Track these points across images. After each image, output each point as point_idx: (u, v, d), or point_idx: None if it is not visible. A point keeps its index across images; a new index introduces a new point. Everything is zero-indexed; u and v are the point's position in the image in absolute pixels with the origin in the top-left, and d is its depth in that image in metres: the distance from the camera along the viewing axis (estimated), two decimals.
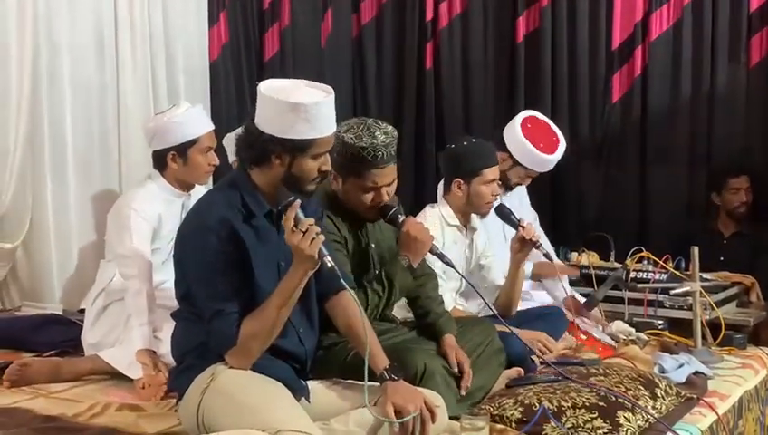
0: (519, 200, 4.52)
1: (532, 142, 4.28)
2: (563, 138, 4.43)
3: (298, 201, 2.61)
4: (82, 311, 4.18)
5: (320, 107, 2.69)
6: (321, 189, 3.19)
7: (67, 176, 4.55)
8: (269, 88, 2.73)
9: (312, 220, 2.59)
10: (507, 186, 4.37)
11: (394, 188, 3.19)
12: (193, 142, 3.78)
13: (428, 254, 3.27)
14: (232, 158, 4.29)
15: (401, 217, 3.22)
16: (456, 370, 3.15)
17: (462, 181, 3.80)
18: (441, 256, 3.30)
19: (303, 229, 2.54)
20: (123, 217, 3.68)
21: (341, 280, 2.63)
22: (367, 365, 2.62)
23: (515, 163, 4.32)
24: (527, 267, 4.21)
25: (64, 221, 4.53)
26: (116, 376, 3.54)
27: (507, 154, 4.31)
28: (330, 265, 2.58)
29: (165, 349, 3.39)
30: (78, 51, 4.61)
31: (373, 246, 3.26)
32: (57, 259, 4.50)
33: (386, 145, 3.08)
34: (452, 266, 3.34)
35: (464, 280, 3.86)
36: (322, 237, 2.57)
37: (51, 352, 3.79)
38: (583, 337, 4.09)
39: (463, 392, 3.11)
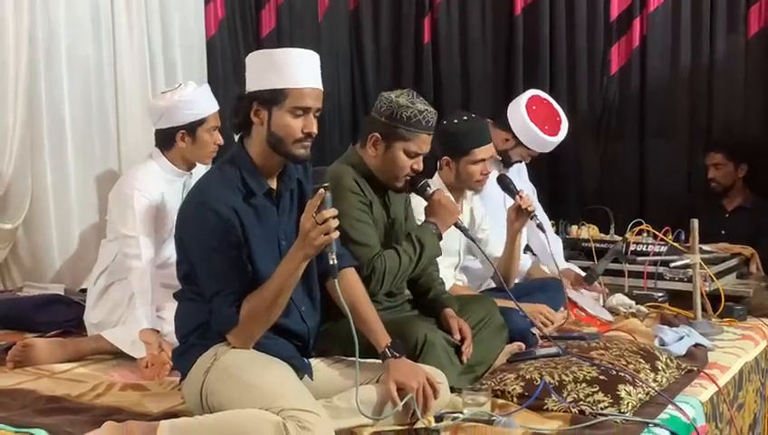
0: (518, 174, 4.52)
1: (537, 125, 4.29)
2: (566, 118, 4.43)
3: (327, 193, 2.54)
4: (84, 290, 4.21)
5: (290, 56, 2.72)
6: (345, 159, 3.24)
7: (66, 155, 4.54)
8: None
9: (334, 212, 2.53)
10: (507, 163, 4.38)
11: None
12: (202, 121, 3.79)
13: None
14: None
15: (430, 189, 3.29)
16: (458, 337, 3.18)
17: (450, 159, 3.80)
18: (464, 230, 3.37)
19: (320, 221, 2.51)
20: (126, 197, 3.68)
21: (334, 266, 2.60)
22: (357, 345, 2.64)
23: (518, 143, 4.32)
24: (526, 263, 4.23)
25: (64, 200, 4.52)
26: (119, 356, 3.55)
27: (511, 134, 4.32)
28: (332, 262, 2.57)
29: (168, 328, 3.41)
30: (74, 28, 4.59)
31: (393, 218, 3.30)
32: (57, 239, 4.50)
33: (434, 114, 3.19)
34: (473, 241, 3.44)
35: (461, 255, 3.92)
36: (336, 234, 2.54)
37: (53, 332, 3.80)
38: (582, 314, 4.11)
39: (464, 359, 3.14)
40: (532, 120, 4.29)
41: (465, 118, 3.84)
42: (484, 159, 3.78)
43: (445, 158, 3.81)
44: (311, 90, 2.71)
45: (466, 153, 3.76)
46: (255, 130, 2.74)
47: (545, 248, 4.11)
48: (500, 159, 4.33)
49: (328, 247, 2.56)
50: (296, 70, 2.69)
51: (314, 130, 2.72)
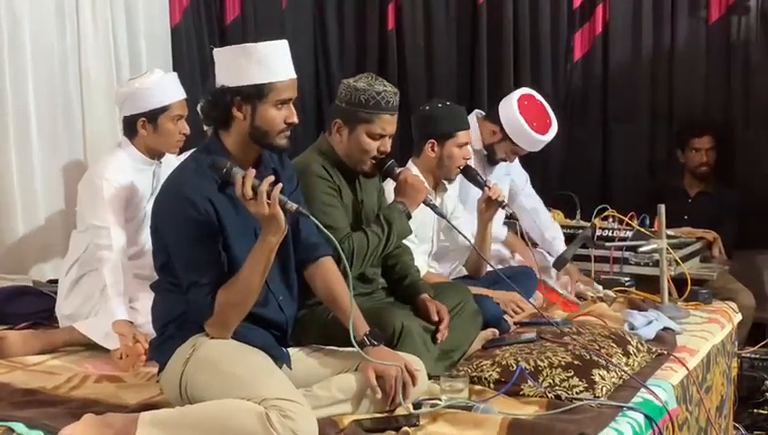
0: (506, 166, 4.52)
1: (525, 120, 4.29)
2: (556, 122, 4.44)
3: (237, 172, 2.57)
4: (52, 281, 4.18)
5: (270, 49, 2.72)
6: (315, 147, 3.26)
7: (31, 144, 4.46)
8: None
9: (249, 177, 2.53)
10: (492, 160, 4.38)
11: (391, 142, 3.27)
12: (164, 109, 3.73)
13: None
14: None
15: (397, 169, 3.32)
16: (435, 319, 3.22)
17: (435, 142, 3.82)
18: (433, 207, 3.39)
19: (250, 196, 2.52)
20: (96, 188, 3.63)
21: (298, 209, 2.60)
22: (351, 325, 2.72)
23: (505, 137, 4.32)
24: (502, 232, 4.26)
25: (30, 191, 4.45)
26: (92, 347, 3.52)
27: (498, 127, 4.32)
28: (294, 207, 2.56)
29: (141, 319, 3.42)
30: (38, 17, 4.52)
31: (362, 205, 3.32)
32: (24, 230, 4.43)
33: (395, 94, 3.23)
34: (444, 217, 3.44)
35: (435, 241, 3.94)
36: (280, 186, 2.54)
37: (24, 324, 3.77)
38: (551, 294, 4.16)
39: (440, 339, 3.18)
40: (522, 113, 4.29)
41: (449, 103, 3.91)
42: (466, 143, 3.83)
43: (431, 141, 3.82)
44: (290, 81, 2.75)
45: (452, 135, 3.80)
46: (236, 124, 2.74)
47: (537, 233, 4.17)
48: (485, 153, 4.35)
49: (281, 203, 2.54)
50: (276, 63, 2.72)
51: (296, 119, 2.75)
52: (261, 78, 2.69)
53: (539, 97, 4.50)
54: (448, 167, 3.83)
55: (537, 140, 4.36)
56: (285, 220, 2.58)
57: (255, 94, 2.69)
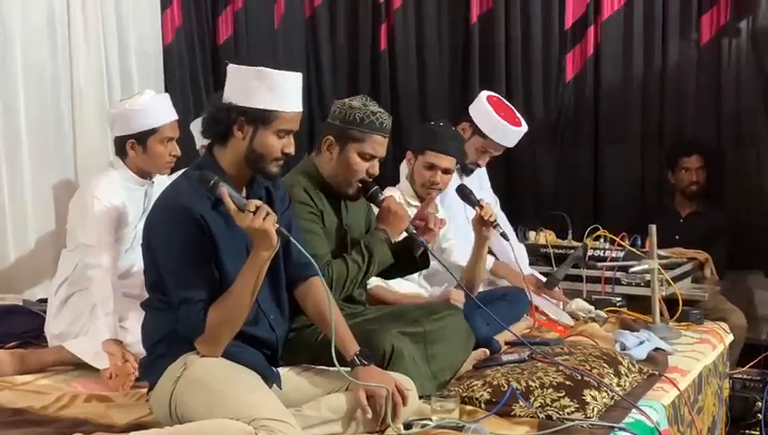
0: (479, 184, 4.50)
1: (494, 110, 4.29)
2: (525, 123, 4.43)
3: (222, 185, 2.59)
4: (42, 300, 4.16)
5: (284, 78, 2.73)
6: (299, 168, 3.25)
7: (22, 162, 4.47)
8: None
9: (258, 203, 2.56)
10: (465, 168, 4.36)
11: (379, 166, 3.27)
12: (153, 131, 3.72)
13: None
14: (199, 144, 4.27)
15: (381, 195, 3.30)
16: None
17: (412, 155, 3.91)
18: (415, 236, 3.33)
19: (252, 209, 2.53)
20: (87, 207, 3.62)
21: (313, 265, 2.65)
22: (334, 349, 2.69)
23: (475, 131, 4.31)
24: (489, 261, 4.24)
25: (20, 210, 4.46)
26: (81, 366, 3.51)
27: (468, 123, 4.33)
28: (276, 227, 2.56)
29: (131, 338, 3.40)
30: (30, 35, 4.53)
31: (347, 228, 3.30)
32: (14, 249, 4.43)
33: (389, 117, 3.23)
34: (425, 247, 3.37)
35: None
36: (275, 216, 2.56)
37: (12, 344, 3.74)
38: (542, 318, 4.14)
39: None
40: (490, 105, 4.30)
41: (451, 126, 3.95)
42: (434, 166, 3.84)
43: (408, 151, 3.87)
44: (297, 114, 2.77)
45: (422, 152, 3.86)
46: (234, 143, 2.74)
47: (508, 255, 4.15)
48: (458, 166, 4.34)
49: (277, 229, 2.55)
50: (288, 94, 2.73)
51: (293, 151, 2.77)
52: (269, 104, 2.70)
53: (507, 102, 4.51)
54: (417, 184, 3.90)
55: (506, 129, 4.32)
56: (277, 237, 2.58)
57: (260, 118, 2.70)
